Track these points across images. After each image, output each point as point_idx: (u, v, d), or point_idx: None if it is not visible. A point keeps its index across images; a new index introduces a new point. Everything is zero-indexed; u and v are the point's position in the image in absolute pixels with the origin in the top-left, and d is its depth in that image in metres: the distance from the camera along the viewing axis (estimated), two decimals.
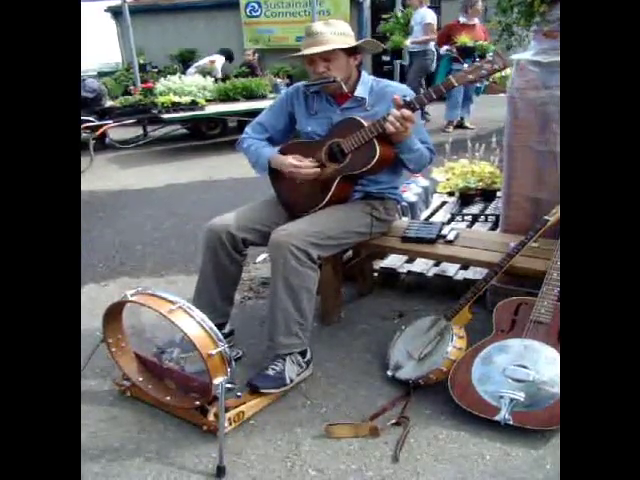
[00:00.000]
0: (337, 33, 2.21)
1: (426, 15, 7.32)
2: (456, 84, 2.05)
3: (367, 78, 2.36)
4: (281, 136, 2.52)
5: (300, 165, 2.30)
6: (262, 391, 2.03)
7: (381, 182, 2.41)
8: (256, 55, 11.12)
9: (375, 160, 2.16)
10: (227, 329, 2.40)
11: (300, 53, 2.24)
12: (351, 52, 2.26)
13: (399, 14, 8.84)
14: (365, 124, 2.17)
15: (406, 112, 2.07)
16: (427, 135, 2.35)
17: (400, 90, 2.30)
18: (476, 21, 7.04)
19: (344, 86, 2.27)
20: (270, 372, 2.08)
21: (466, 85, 2.08)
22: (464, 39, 6.71)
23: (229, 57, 10.29)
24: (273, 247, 2.11)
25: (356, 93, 2.31)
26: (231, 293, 2.39)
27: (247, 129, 2.55)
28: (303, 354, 2.18)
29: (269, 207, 2.44)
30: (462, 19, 7.01)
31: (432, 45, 7.36)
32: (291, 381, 2.10)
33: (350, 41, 2.25)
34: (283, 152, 2.42)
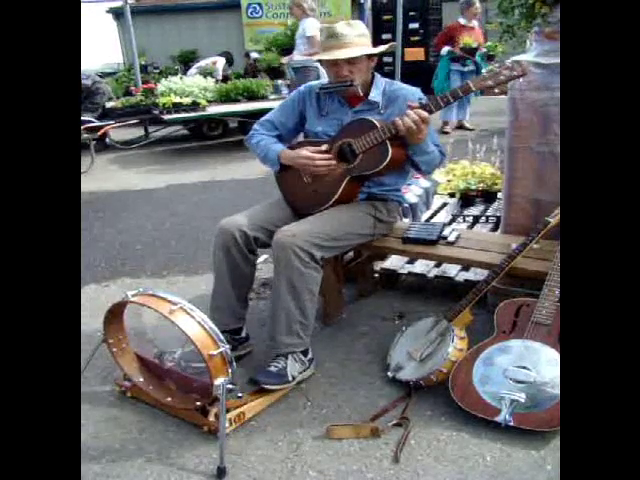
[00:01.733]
0: (359, 35, 2.22)
1: (307, 27, 6.37)
2: (474, 89, 2.05)
3: (380, 81, 2.36)
4: (291, 135, 2.52)
5: (314, 156, 2.28)
6: (264, 387, 2.03)
7: (386, 184, 2.42)
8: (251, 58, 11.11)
9: (387, 161, 2.15)
10: (244, 333, 2.39)
11: (329, 57, 2.21)
12: (370, 55, 2.27)
13: (289, 22, 8.04)
14: (378, 125, 2.16)
15: (422, 113, 2.07)
16: (437, 137, 2.35)
17: (413, 93, 2.31)
18: (475, 23, 7.08)
19: (359, 89, 2.27)
20: (272, 369, 2.09)
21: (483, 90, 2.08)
22: (467, 40, 6.77)
23: (229, 60, 10.35)
24: (277, 247, 2.12)
25: (370, 97, 2.31)
26: (246, 295, 2.38)
27: (256, 126, 2.52)
28: (305, 353, 2.18)
29: (279, 207, 2.43)
30: (462, 21, 7.05)
31: (313, 61, 6.21)
32: (293, 378, 2.10)
33: (369, 42, 2.26)
34: (292, 149, 2.41)
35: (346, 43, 2.18)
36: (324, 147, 2.29)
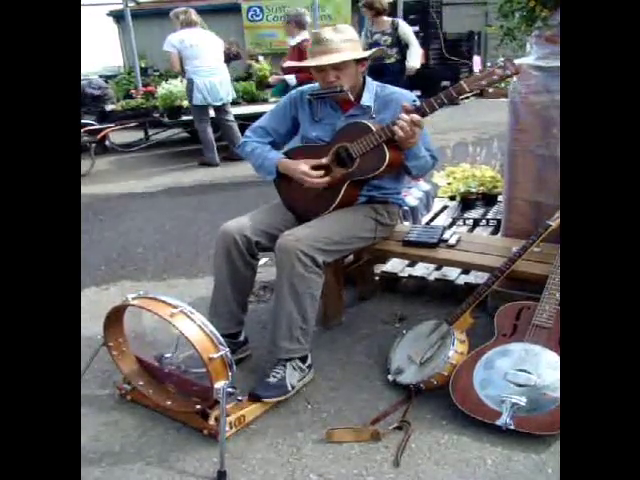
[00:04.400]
0: (346, 40, 2.19)
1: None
2: (467, 89, 2.05)
3: (372, 85, 2.35)
4: (284, 140, 2.52)
5: (310, 174, 2.27)
6: (265, 401, 2.03)
7: (385, 187, 2.41)
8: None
9: (385, 165, 2.15)
10: (242, 337, 2.39)
11: (313, 64, 2.20)
12: (359, 60, 2.25)
13: None
14: (374, 128, 2.16)
15: (415, 117, 2.06)
16: (430, 141, 2.35)
17: (406, 96, 2.30)
18: (302, 37, 5.44)
19: (350, 94, 2.26)
20: (272, 380, 2.08)
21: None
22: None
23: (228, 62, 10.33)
24: (280, 252, 2.11)
25: (362, 101, 2.30)
26: (245, 299, 2.37)
27: (248, 132, 2.52)
28: (304, 359, 2.17)
29: (281, 211, 2.43)
30: (290, 41, 5.64)
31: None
32: (292, 387, 2.09)
33: (357, 47, 2.24)
34: (288, 156, 2.40)
35: (331, 49, 2.16)
36: (324, 160, 2.28)
